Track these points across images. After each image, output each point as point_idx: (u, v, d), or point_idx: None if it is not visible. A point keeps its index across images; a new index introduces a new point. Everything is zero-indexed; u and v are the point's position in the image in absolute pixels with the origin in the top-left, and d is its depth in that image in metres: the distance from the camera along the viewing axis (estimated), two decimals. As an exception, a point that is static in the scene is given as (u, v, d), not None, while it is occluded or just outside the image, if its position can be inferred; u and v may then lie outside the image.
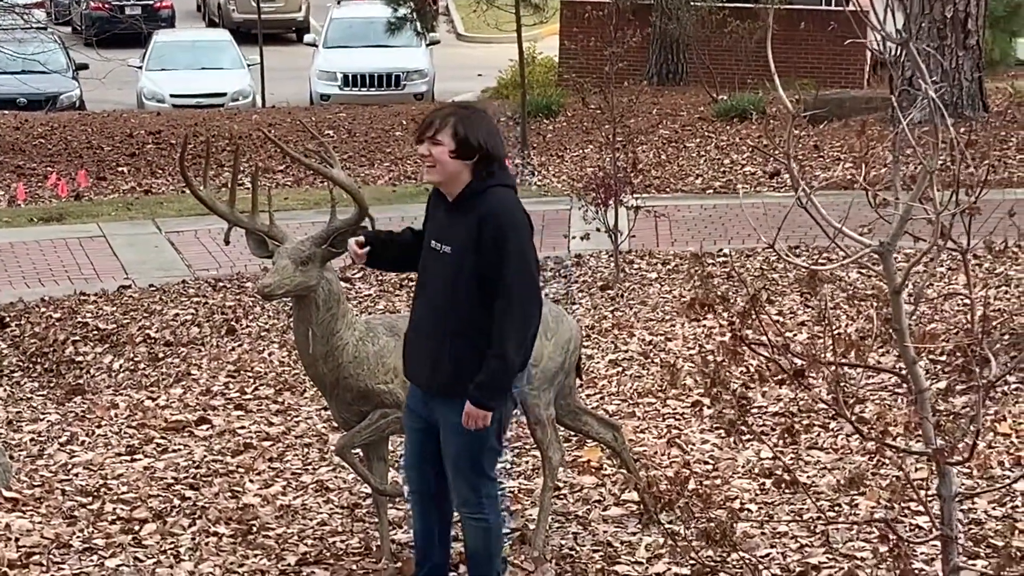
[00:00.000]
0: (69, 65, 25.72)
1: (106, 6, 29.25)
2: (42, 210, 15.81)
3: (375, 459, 6.57)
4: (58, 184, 16.83)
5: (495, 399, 5.59)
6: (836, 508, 6.92)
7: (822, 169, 15.28)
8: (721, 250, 12.40)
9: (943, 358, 8.69)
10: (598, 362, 9.53)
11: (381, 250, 5.95)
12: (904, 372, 4.74)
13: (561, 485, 7.32)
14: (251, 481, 7.71)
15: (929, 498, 4.91)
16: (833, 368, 4.89)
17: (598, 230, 11.41)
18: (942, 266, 10.92)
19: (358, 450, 6.54)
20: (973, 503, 6.80)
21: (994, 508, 6.82)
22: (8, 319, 11.51)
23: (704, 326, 9.84)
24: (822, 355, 4.91)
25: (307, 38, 29.97)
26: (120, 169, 18.53)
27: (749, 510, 6.97)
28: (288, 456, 8.13)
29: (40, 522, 7.08)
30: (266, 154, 18.63)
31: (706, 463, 7.65)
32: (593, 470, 7.59)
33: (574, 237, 12.33)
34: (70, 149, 19.90)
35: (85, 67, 24.72)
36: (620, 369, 9.37)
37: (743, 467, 7.55)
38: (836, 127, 17.46)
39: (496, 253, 5.51)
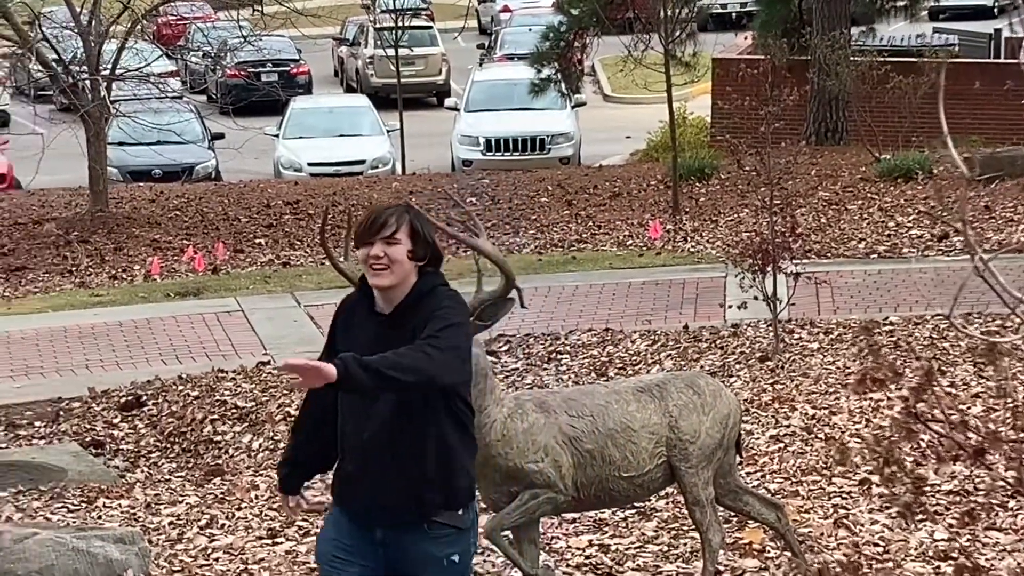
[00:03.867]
0: (205, 135, 25.58)
1: (242, 73, 29.20)
2: (178, 284, 15.71)
3: (526, 542, 6.50)
4: (195, 257, 16.72)
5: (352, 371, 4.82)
6: (1019, 594, 6.64)
7: (994, 231, 14.75)
8: (887, 318, 11.97)
9: None
10: (758, 438, 9.22)
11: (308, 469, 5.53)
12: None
13: (722, 569, 7.10)
14: (397, 565, 7.48)
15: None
16: (1015, 445, 4.68)
17: (756, 298, 11.09)
18: None
19: (508, 532, 6.46)
20: None
21: None
22: (145, 398, 11.43)
23: (871, 399, 9.46)
24: (1002, 430, 4.69)
25: (448, 102, 29.49)
26: (257, 241, 18.42)
27: (926, 596, 6.71)
28: (435, 538, 7.89)
29: (180, 610, 6.99)
30: (408, 223, 18.44)
31: (876, 545, 7.39)
32: (755, 553, 7.35)
33: (730, 306, 12.01)
34: (206, 221, 19.84)
35: (221, 136, 24.47)
36: (782, 445, 9.06)
37: (916, 549, 7.27)
38: (1009, 186, 16.88)
39: (430, 319, 5.00)
